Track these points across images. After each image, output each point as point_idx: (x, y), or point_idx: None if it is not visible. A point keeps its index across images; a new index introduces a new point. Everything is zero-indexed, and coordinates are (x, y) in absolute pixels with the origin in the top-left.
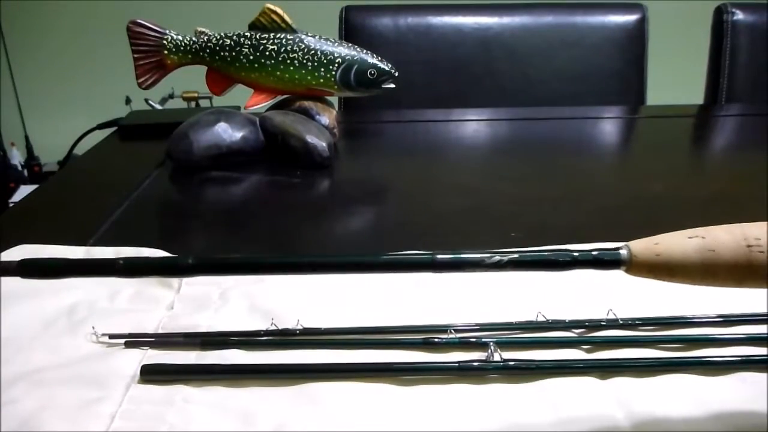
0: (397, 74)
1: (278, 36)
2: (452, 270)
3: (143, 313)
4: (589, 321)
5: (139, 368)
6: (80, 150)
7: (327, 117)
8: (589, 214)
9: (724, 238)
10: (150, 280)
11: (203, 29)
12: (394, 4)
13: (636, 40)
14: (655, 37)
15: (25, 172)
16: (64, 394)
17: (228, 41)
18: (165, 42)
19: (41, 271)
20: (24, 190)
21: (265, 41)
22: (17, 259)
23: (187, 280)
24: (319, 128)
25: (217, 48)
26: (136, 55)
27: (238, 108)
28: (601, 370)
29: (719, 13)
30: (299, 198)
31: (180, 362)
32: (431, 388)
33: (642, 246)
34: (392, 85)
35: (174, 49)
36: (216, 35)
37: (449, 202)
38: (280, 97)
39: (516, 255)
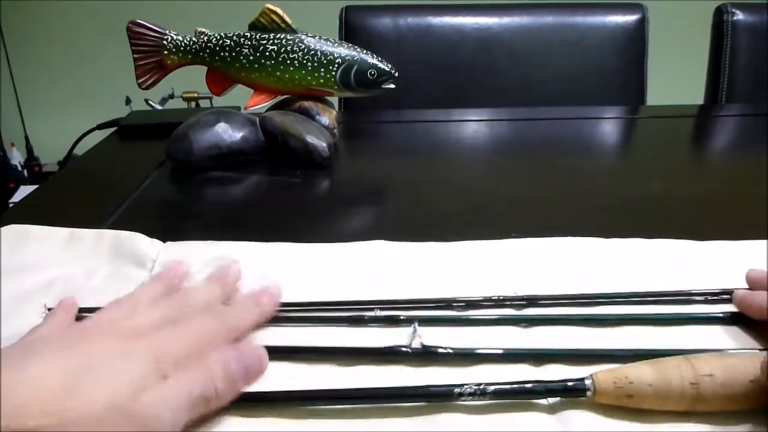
0: (397, 74)
1: (278, 36)
2: (422, 400)
3: (115, 291)
4: (529, 297)
5: None
6: (80, 150)
7: (327, 117)
8: (589, 214)
9: (671, 361)
10: (126, 259)
11: (203, 29)
12: (394, 4)
13: (636, 40)
14: (655, 37)
15: (25, 172)
16: None
17: (228, 41)
18: (165, 42)
19: None
20: (24, 191)
21: (265, 41)
22: None
23: (160, 261)
24: (319, 128)
25: (217, 48)
26: (136, 56)
27: (238, 108)
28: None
29: (719, 13)
30: (299, 198)
31: None
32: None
33: (603, 373)
34: (392, 86)
35: (174, 50)
36: (216, 35)
37: (449, 202)
38: (280, 98)
39: (497, 384)
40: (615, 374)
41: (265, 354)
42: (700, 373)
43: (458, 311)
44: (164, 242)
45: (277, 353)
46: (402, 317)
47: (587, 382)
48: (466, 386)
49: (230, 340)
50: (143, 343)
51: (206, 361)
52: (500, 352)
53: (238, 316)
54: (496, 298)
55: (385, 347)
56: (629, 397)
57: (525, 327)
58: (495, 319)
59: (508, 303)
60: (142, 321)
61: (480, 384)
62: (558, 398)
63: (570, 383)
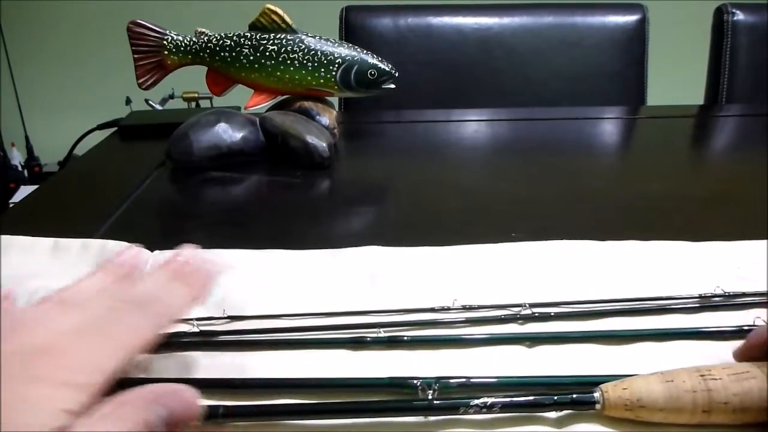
0: (397, 74)
1: (278, 36)
2: (427, 414)
3: None
4: (533, 314)
5: None
6: (80, 150)
7: (327, 117)
8: (589, 214)
9: (686, 380)
10: None
11: (203, 30)
12: (394, 4)
13: (636, 40)
14: (655, 37)
15: (25, 172)
16: None
17: (228, 42)
18: (165, 42)
19: None
20: (24, 191)
21: (265, 42)
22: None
23: (149, 272)
24: (320, 128)
25: (218, 48)
26: (136, 56)
27: (238, 108)
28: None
29: (720, 13)
30: (299, 198)
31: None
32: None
33: (613, 387)
34: (392, 86)
35: (174, 50)
36: (216, 36)
37: (449, 203)
38: (280, 98)
39: (503, 400)
40: (625, 395)
41: (195, 399)
42: (712, 390)
43: (459, 327)
44: (152, 251)
45: (276, 387)
46: (406, 338)
47: (596, 395)
48: (472, 401)
49: (158, 334)
50: (55, 362)
51: (130, 406)
52: (508, 381)
53: (169, 307)
54: (497, 316)
55: (393, 399)
56: (638, 415)
57: (529, 346)
58: (497, 338)
59: (511, 318)
60: (64, 325)
61: (486, 398)
62: (565, 411)
63: (578, 396)
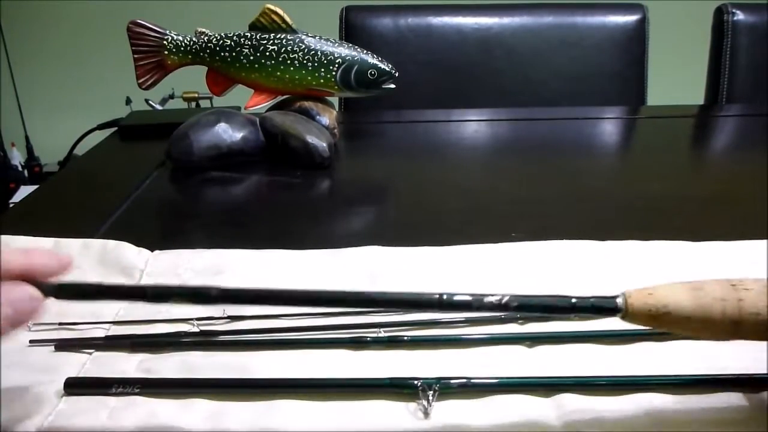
0: (397, 74)
1: (278, 36)
2: (453, 310)
3: (101, 303)
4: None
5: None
6: (80, 150)
7: (327, 117)
8: (589, 214)
9: (716, 288)
10: (113, 269)
11: (203, 30)
12: (394, 4)
13: (636, 40)
14: (655, 37)
15: (25, 172)
16: None
17: (228, 42)
18: (165, 42)
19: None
20: (24, 191)
21: (265, 42)
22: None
23: (148, 271)
24: (320, 128)
25: (218, 48)
26: (136, 56)
27: (238, 108)
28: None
29: (720, 13)
30: (299, 198)
31: (124, 367)
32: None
33: (637, 293)
34: (392, 86)
35: (174, 50)
36: (216, 36)
37: (449, 203)
38: (280, 98)
39: (519, 298)
40: (650, 301)
41: (37, 294)
42: (744, 299)
43: (459, 327)
44: (152, 251)
45: (276, 387)
46: (405, 338)
47: (618, 301)
48: (485, 298)
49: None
50: None
51: None
52: (508, 381)
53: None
54: (497, 316)
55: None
56: (663, 323)
57: (529, 346)
58: (497, 338)
59: (511, 318)
60: None
61: (502, 296)
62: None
63: (598, 301)
